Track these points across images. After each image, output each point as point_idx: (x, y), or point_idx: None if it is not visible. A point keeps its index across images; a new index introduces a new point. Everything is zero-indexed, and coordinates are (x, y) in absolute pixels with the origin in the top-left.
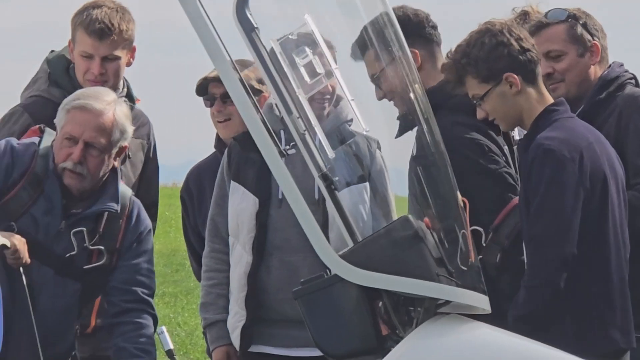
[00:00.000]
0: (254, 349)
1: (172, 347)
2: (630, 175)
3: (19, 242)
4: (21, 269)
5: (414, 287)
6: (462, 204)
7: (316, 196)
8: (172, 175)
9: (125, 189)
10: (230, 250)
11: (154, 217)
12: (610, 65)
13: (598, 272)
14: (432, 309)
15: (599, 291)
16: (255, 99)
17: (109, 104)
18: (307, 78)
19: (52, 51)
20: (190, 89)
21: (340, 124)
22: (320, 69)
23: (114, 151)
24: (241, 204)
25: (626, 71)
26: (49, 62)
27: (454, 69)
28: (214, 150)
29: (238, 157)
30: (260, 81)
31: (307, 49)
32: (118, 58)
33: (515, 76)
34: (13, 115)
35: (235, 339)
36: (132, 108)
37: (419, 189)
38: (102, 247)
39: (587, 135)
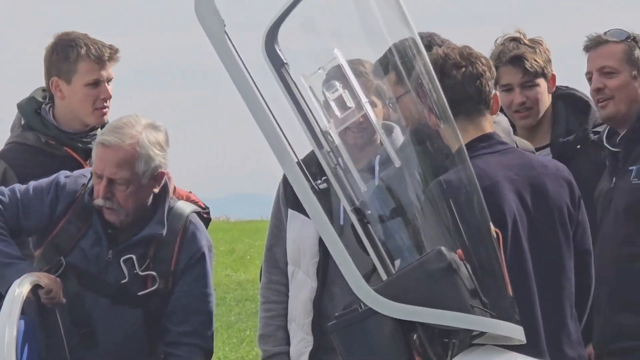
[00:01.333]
0: None
1: None
2: None
3: (53, 282)
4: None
5: (448, 319)
6: (494, 235)
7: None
8: (221, 209)
9: (182, 209)
10: (290, 278)
11: None
12: None
13: None
14: (467, 340)
15: None
16: (286, 136)
17: (131, 137)
18: (337, 112)
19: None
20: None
21: (373, 157)
22: (350, 103)
23: (144, 181)
24: (302, 232)
25: None
26: (20, 108)
27: None
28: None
29: None
30: None
31: (337, 83)
32: (112, 78)
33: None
34: None
35: None
36: None
37: (452, 220)
38: (154, 273)
39: (496, 173)
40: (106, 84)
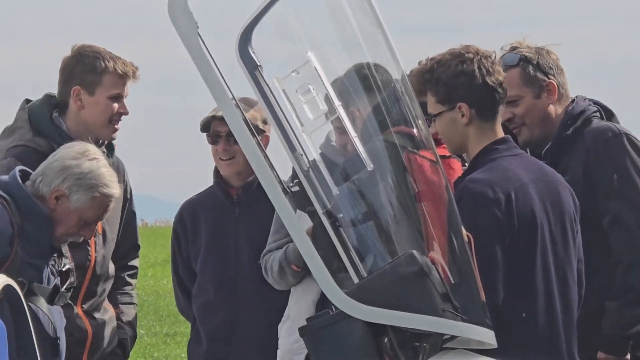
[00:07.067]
0: None
1: None
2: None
3: None
4: (25, 304)
5: (419, 323)
6: (466, 239)
7: None
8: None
9: None
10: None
11: (136, 258)
12: (574, 100)
13: (524, 317)
14: (438, 344)
15: (524, 339)
16: (259, 138)
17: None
18: (310, 115)
19: (28, 100)
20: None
21: (344, 160)
22: (323, 106)
23: None
24: None
25: (590, 105)
26: (32, 112)
27: (419, 79)
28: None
29: None
30: (265, 121)
31: (310, 87)
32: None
33: (468, 108)
34: (6, 166)
35: None
36: (111, 155)
37: (424, 224)
38: (70, 266)
39: (522, 175)
40: (124, 99)
